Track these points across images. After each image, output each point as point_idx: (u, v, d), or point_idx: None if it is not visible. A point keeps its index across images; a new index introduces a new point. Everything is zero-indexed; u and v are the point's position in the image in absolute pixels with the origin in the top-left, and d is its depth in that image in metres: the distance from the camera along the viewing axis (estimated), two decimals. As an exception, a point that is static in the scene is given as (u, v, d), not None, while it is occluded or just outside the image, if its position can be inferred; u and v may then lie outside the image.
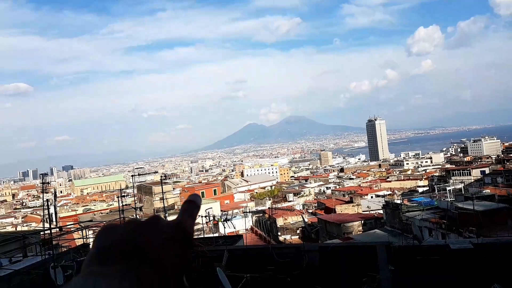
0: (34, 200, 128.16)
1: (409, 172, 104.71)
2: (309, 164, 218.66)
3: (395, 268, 10.96)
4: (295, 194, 73.71)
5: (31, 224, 62.15)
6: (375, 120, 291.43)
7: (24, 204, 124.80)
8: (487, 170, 64.18)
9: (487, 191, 38.41)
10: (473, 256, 11.95)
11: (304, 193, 77.22)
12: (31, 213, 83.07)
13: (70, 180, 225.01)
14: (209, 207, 45.74)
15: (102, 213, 63.79)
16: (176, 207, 53.16)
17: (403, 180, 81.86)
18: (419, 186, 67.91)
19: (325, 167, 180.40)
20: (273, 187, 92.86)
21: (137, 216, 45.54)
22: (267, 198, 72.71)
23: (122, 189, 37.12)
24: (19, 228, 60.60)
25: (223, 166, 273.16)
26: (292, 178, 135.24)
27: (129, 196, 62.75)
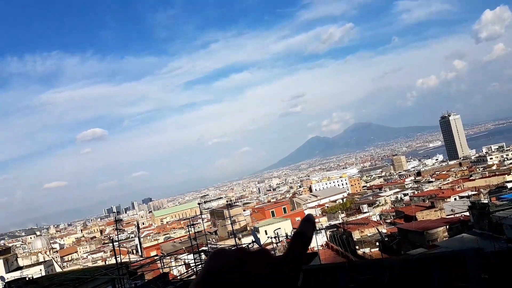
0: (119, 234, 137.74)
1: (494, 168, 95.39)
2: (382, 172, 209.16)
3: (488, 277, 9.66)
4: (369, 205, 70.60)
5: (119, 257, 66.59)
6: (449, 115, 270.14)
7: (111, 238, 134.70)
8: None
9: None
10: None
11: (380, 202, 73.63)
12: (117, 247, 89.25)
13: (150, 212, 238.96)
14: (278, 227, 45.34)
15: (181, 240, 66.47)
16: (248, 228, 53.56)
17: (488, 177, 74.48)
18: (508, 182, 61.08)
19: (399, 172, 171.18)
20: (344, 199, 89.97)
21: (213, 239, 46.65)
22: (339, 211, 70.39)
23: (193, 217, 38.42)
24: (108, 262, 65.42)
25: (290, 183, 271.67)
26: (364, 188, 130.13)
27: (202, 222, 64.71)
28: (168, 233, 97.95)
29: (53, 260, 63.35)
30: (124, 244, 67.09)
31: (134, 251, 65.42)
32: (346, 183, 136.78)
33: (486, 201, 33.45)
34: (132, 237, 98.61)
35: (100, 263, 67.44)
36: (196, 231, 33.85)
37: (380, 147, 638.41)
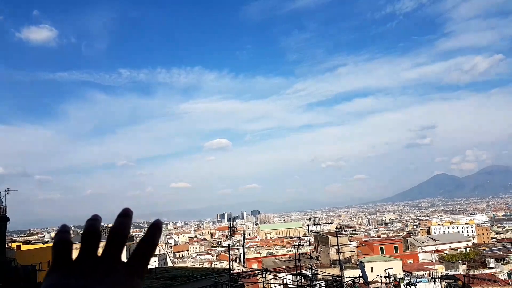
0: (227, 240, 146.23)
1: None
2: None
3: None
4: (497, 260, 61.53)
5: (223, 262, 70.94)
6: None
7: (219, 243, 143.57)
8: None
9: None
10: None
11: (510, 259, 63.56)
12: (224, 252, 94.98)
13: (256, 224, 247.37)
14: (390, 267, 42.59)
15: (282, 258, 67.49)
16: (352, 260, 51.60)
17: None
18: None
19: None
20: (468, 249, 79.75)
21: (314, 264, 46.36)
22: (460, 261, 62.74)
23: (299, 237, 38.87)
24: (213, 265, 70.25)
25: (406, 220, 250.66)
26: (494, 240, 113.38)
27: (307, 244, 64.71)
28: (270, 249, 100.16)
29: (166, 254, 70.97)
30: (231, 251, 71.15)
31: (237, 260, 68.82)
32: (472, 231, 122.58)
33: None
34: (237, 246, 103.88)
35: (206, 264, 72.70)
36: (300, 252, 34.30)
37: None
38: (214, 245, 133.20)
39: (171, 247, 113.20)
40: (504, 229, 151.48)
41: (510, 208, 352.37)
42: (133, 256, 0.83)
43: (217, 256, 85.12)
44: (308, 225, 35.52)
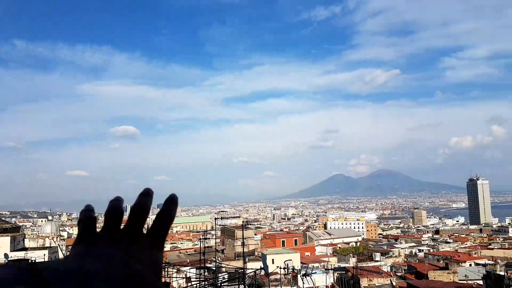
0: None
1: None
2: (400, 223, 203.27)
3: None
4: (382, 254, 68.97)
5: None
6: (477, 179, 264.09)
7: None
8: None
9: None
10: None
11: (393, 253, 71.79)
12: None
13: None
14: (289, 258, 44.98)
15: (187, 252, 66.79)
16: (256, 253, 53.35)
17: (508, 249, 71.47)
18: (528, 257, 58.52)
19: (418, 227, 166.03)
20: (358, 243, 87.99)
21: (219, 258, 46.82)
22: (351, 254, 68.96)
23: (206, 231, 38.87)
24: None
25: (306, 216, 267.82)
26: (380, 236, 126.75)
27: (213, 238, 65.07)
28: (175, 243, 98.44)
29: (58, 247, 64.98)
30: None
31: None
32: (362, 227, 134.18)
33: (503, 273, 32.27)
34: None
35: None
36: (206, 245, 34.30)
37: (403, 197, 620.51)
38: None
39: (64, 239, 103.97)
40: (389, 226, 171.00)
41: (395, 208, 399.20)
42: (152, 230, 0.89)
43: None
44: (215, 219, 35.62)
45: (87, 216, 0.89)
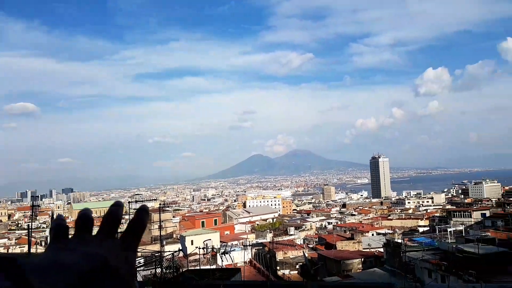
0: (29, 222, 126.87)
1: (410, 211, 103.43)
2: (312, 198, 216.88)
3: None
4: (296, 228, 72.73)
5: (24, 246, 61.27)
6: (379, 157, 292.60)
7: (20, 225, 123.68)
8: (487, 213, 63.24)
9: (488, 234, 37.66)
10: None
11: (306, 227, 76.24)
12: (25, 235, 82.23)
13: (69, 203, 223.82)
14: (208, 238, 45.19)
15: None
16: (174, 236, 52.52)
17: (404, 219, 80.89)
18: (420, 226, 66.96)
19: (327, 202, 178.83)
20: (274, 219, 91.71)
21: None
22: (268, 230, 71.71)
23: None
24: (12, 250, 59.96)
25: (226, 196, 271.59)
26: (295, 211, 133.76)
27: (127, 223, 62.17)
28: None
29: None
30: (34, 234, 61.93)
31: (43, 243, 60.70)
32: (278, 204, 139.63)
33: (400, 241, 36.33)
34: (43, 228, 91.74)
35: (2, 250, 61.46)
36: (119, 231, 32.63)
37: (315, 175, 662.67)
38: (13, 228, 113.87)
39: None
40: (302, 202, 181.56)
41: (308, 185, 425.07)
42: (125, 234, 0.96)
43: (16, 240, 73.29)
44: (129, 203, 33.92)
45: (58, 224, 0.95)
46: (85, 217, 0.98)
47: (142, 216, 0.99)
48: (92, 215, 0.99)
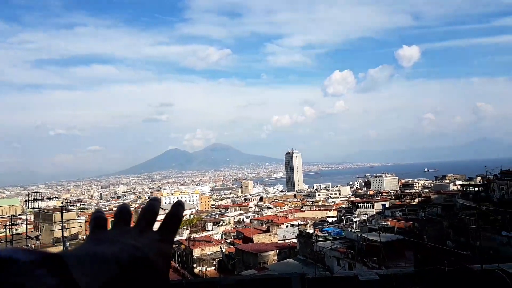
0: None
1: (320, 203, 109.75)
2: (231, 193, 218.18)
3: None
4: (214, 223, 72.17)
5: None
6: (293, 152, 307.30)
7: None
8: (387, 204, 69.89)
9: (388, 223, 41.31)
10: (380, 286, 12.35)
11: (224, 222, 76.03)
12: None
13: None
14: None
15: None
16: (80, 237, 48.18)
17: (315, 210, 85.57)
18: (329, 217, 71.40)
19: (245, 196, 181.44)
20: (192, 215, 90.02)
21: (32, 245, 40.17)
22: (184, 227, 69.97)
23: (14, 216, 32.59)
24: None
25: (139, 192, 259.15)
26: (213, 206, 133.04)
27: (24, 223, 55.61)
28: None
29: None
30: None
31: None
32: (197, 199, 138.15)
33: (311, 231, 37.97)
34: None
35: None
36: (14, 233, 28.73)
37: (234, 169, 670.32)
38: None
39: None
40: (221, 197, 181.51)
41: (226, 179, 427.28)
42: (161, 227, 0.99)
43: None
44: (26, 201, 29.98)
45: (97, 216, 0.99)
46: (125, 210, 1.03)
47: (178, 210, 1.03)
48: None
